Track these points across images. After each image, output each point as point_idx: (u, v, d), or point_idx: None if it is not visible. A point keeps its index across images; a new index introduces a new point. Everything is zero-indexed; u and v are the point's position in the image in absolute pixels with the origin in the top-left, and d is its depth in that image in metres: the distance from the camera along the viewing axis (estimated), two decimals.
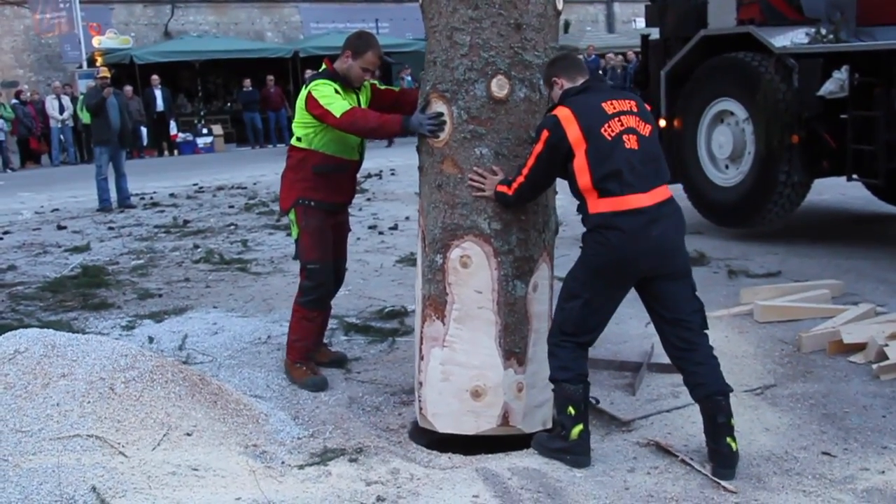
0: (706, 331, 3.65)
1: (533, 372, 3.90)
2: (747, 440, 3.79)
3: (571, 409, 3.63)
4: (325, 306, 4.96)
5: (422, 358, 3.97)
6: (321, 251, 4.74)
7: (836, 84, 7.28)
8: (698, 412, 3.69)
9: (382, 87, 4.88)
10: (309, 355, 4.88)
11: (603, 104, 3.56)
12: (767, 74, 7.59)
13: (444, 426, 3.90)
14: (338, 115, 4.37)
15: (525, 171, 3.63)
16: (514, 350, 3.85)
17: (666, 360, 4.66)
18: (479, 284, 3.80)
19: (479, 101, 3.78)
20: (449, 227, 3.84)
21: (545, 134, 3.57)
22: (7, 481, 3.32)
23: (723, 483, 3.44)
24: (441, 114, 3.81)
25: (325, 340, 5.23)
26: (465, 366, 3.84)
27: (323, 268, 4.76)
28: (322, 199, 4.70)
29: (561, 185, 3.87)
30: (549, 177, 3.68)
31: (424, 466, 3.72)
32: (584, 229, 3.61)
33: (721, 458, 3.53)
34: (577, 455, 3.64)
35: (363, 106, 4.69)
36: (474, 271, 3.80)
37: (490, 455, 3.79)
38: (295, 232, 4.78)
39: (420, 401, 4.00)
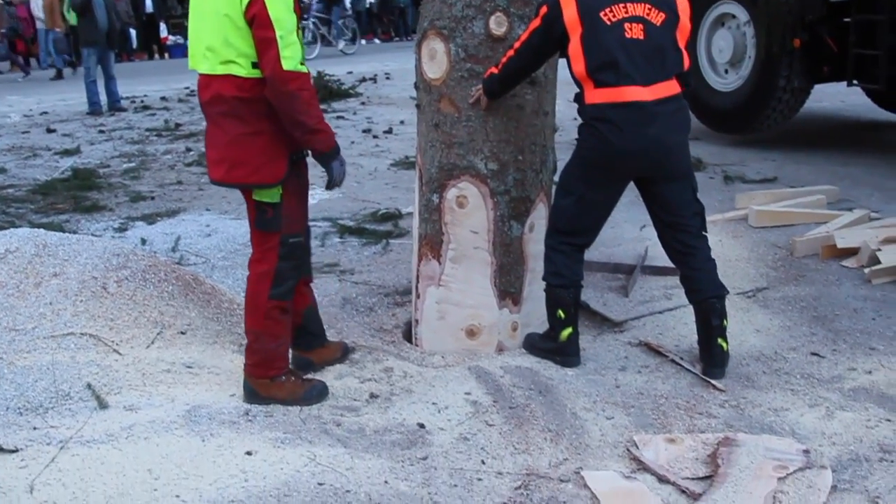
0: (705, 233, 3.61)
1: (528, 311, 3.91)
2: (738, 341, 3.82)
3: (561, 313, 3.64)
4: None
5: (418, 296, 3.97)
6: (305, 216, 3.49)
7: None
8: (690, 313, 3.72)
9: None
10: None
11: None
12: None
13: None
14: (286, 67, 3.02)
15: (517, 44, 3.47)
16: (509, 290, 3.84)
17: (659, 263, 4.70)
18: (475, 225, 3.77)
19: (477, 38, 3.65)
20: (445, 166, 3.78)
21: (543, 10, 3.40)
22: (2, 378, 3.34)
23: (712, 382, 3.48)
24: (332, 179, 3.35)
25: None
26: (461, 305, 3.84)
27: (305, 239, 3.49)
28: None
29: (561, 100, 3.76)
30: (538, 55, 3.50)
31: (418, 365, 3.76)
32: (580, 122, 3.51)
33: (712, 358, 3.56)
34: (567, 356, 3.67)
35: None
36: (470, 212, 3.76)
37: (483, 355, 3.82)
38: (275, 196, 3.24)
39: (416, 338, 4.03)
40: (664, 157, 3.45)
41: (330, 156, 3.27)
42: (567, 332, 3.65)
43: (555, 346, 3.68)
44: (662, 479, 2.81)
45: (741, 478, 2.75)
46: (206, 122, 3.30)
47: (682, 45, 3.48)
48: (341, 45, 20.33)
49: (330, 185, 3.38)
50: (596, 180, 3.51)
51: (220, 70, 3.12)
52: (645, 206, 3.66)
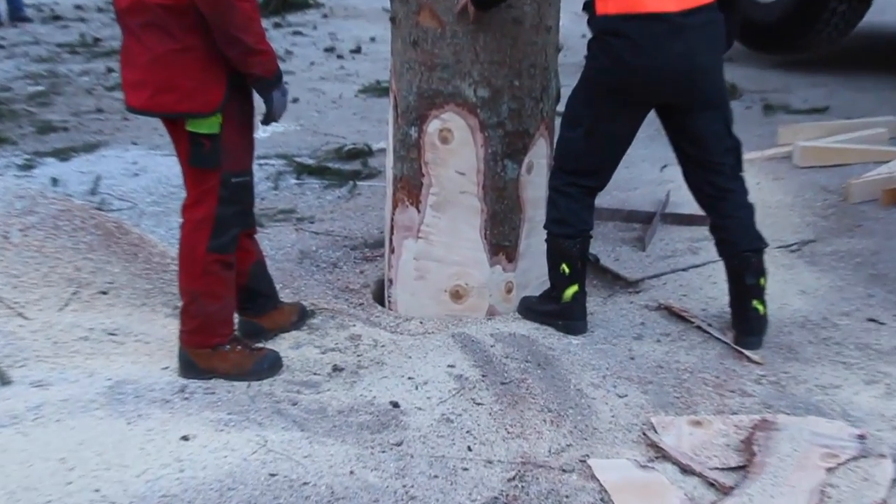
0: (741, 174, 3.60)
1: (525, 269, 3.91)
2: (779, 304, 3.84)
3: (566, 268, 3.63)
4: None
5: (392, 251, 3.96)
6: (251, 150, 3.43)
7: None
8: (720, 271, 3.72)
9: None
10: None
11: None
12: None
13: None
14: None
15: None
16: (502, 243, 3.84)
17: (684, 209, 4.70)
18: (462, 164, 3.74)
19: None
20: (426, 93, 3.74)
21: None
22: None
23: (746, 353, 3.50)
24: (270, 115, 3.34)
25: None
26: (444, 261, 3.84)
27: (251, 179, 3.44)
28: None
29: (566, 13, 3.70)
30: None
31: (391, 332, 3.76)
32: (590, 36, 3.46)
33: (746, 324, 3.57)
34: (571, 320, 3.68)
35: None
36: (456, 148, 3.73)
37: (470, 321, 3.82)
38: (213, 126, 3.16)
39: (389, 300, 4.03)
40: (692, 80, 3.42)
41: (271, 83, 3.23)
42: (572, 291, 3.65)
43: (557, 309, 3.69)
44: (686, 470, 2.83)
45: (781, 468, 2.77)
46: (123, 35, 3.24)
47: None
48: None
49: (267, 119, 3.34)
50: (609, 108, 3.47)
51: None
52: (668, 141, 3.64)
